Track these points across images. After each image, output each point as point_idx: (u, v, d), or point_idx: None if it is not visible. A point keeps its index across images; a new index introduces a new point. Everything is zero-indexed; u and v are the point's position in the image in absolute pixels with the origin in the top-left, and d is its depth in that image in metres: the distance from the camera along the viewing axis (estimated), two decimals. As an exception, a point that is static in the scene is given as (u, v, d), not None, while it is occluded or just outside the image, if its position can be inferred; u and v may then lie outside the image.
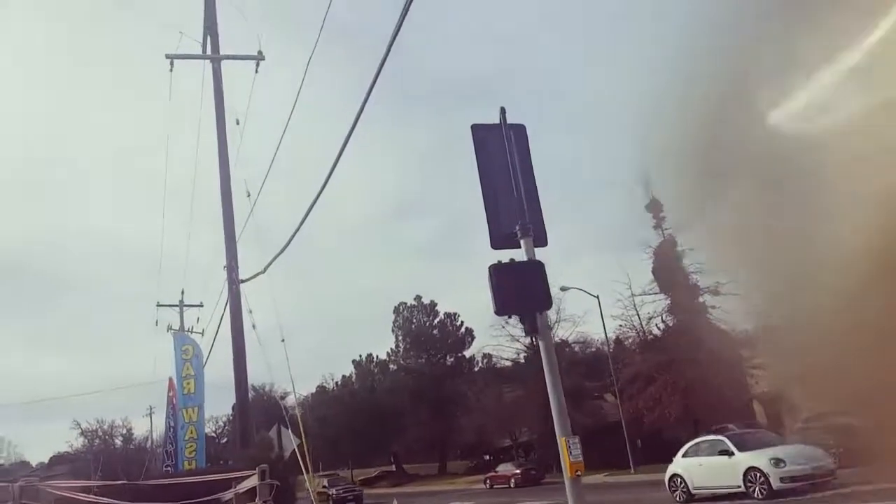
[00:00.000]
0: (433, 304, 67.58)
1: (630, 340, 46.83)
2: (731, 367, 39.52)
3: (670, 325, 38.79)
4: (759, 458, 17.65)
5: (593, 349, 56.27)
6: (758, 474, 17.38)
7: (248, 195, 15.74)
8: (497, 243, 6.63)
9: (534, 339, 50.55)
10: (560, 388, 6.14)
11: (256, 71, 18.98)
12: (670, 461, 39.99)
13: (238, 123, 17.25)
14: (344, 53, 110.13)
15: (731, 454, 18.48)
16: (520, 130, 7.19)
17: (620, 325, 41.91)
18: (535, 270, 6.07)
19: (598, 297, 39.04)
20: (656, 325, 40.25)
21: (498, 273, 6.01)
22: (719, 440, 19.42)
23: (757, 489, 17.46)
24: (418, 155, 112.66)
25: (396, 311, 68.85)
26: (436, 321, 67.53)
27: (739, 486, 18.04)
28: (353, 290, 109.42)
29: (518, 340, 51.20)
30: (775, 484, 16.88)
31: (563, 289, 40.16)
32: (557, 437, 5.99)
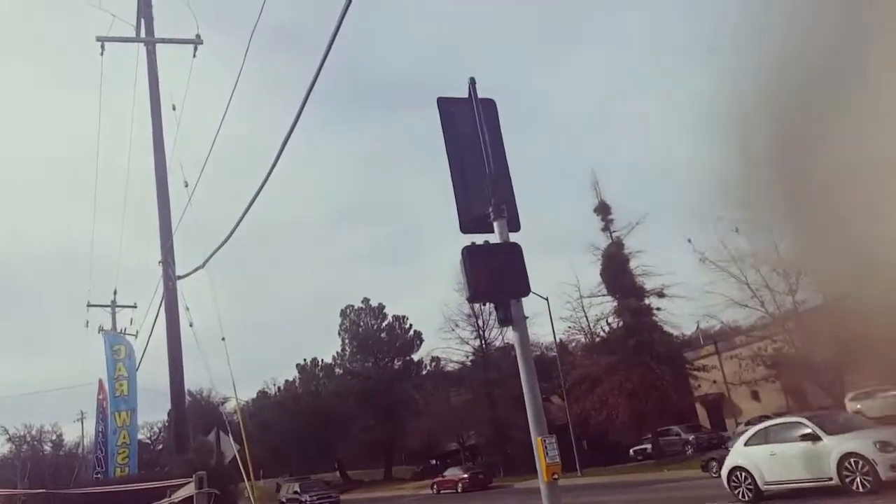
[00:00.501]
0: (381, 307, 66.71)
1: (574, 344, 47.06)
2: (676, 369, 40.14)
3: (617, 327, 38.95)
4: (859, 443, 14.40)
5: (537, 352, 56.51)
6: (859, 462, 14.16)
7: (186, 185, 14.76)
8: (467, 227, 6.05)
9: (481, 343, 50.86)
10: (536, 383, 5.61)
11: (194, 55, 18.04)
12: (616, 462, 40.60)
13: (175, 109, 16.31)
14: (291, 45, 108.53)
15: (816, 439, 15.11)
16: (489, 105, 6.64)
17: (569, 327, 41.99)
18: (512, 253, 5.52)
19: (547, 299, 38.98)
20: (601, 328, 40.44)
21: (472, 256, 5.44)
22: (799, 422, 16.02)
23: (858, 480, 14.15)
24: (369, 158, 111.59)
25: (343, 314, 67.70)
26: (384, 324, 66.64)
27: (831, 479, 14.65)
28: (298, 293, 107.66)
29: (467, 343, 51.00)
30: (885, 473, 13.69)
31: (513, 291, 39.90)
32: (533, 436, 5.45)
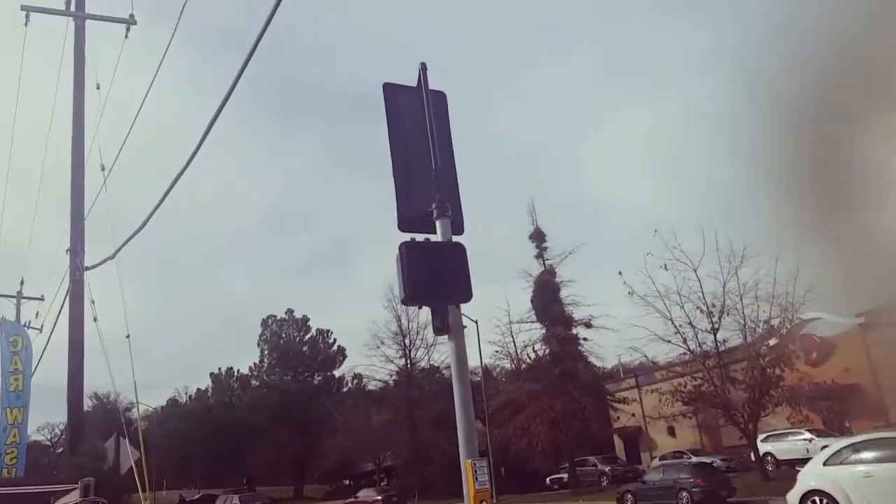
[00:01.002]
0: (305, 319, 65.14)
1: (499, 370, 46.93)
2: (598, 400, 40.41)
3: (543, 354, 38.95)
4: None
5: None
6: None
7: (103, 168, 13.73)
8: (406, 225, 5.50)
9: (406, 362, 49.98)
10: (470, 401, 5.08)
11: (126, 36, 17.06)
12: (532, 490, 40.38)
13: (98, 88, 15.28)
14: (230, 42, 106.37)
15: None
16: (439, 97, 6.15)
17: (497, 351, 41.72)
18: (455, 254, 5.00)
19: (476, 322, 38.63)
20: (528, 354, 40.37)
21: (410, 253, 4.89)
22: None
23: None
24: (301, 170, 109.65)
25: (265, 323, 65.78)
26: (307, 337, 65.06)
27: None
28: (219, 301, 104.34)
29: (392, 361, 50.08)
30: None
31: (442, 311, 39.44)
32: (462, 459, 4.91)
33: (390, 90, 5.95)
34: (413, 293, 4.88)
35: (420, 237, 5.33)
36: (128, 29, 17.09)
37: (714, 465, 28.49)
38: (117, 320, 14.27)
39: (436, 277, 4.91)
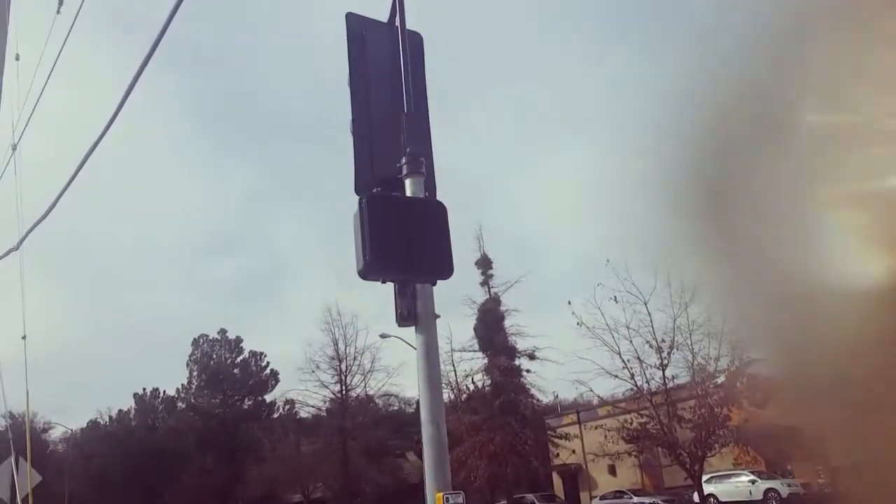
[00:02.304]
0: (238, 340, 62.25)
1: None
2: (539, 434, 39.36)
3: (484, 385, 37.77)
4: None
5: (396, 407, 54.26)
6: None
7: (14, 148, 12.05)
8: (365, 186, 4.26)
9: (341, 388, 48.08)
10: (443, 413, 3.85)
11: (59, 11, 15.44)
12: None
13: (18, 59, 13.62)
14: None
15: None
16: (415, 39, 4.99)
17: (435, 381, 40.26)
18: (434, 215, 3.79)
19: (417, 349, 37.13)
20: (467, 384, 39.09)
21: (374, 209, 3.63)
22: None
23: None
24: (242, 191, 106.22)
25: (195, 343, 62.58)
26: (238, 359, 62.12)
27: None
28: (148, 317, 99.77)
29: (327, 387, 48.00)
30: None
31: (383, 336, 38.04)
32: (428, 489, 3.64)
33: (355, 22, 4.74)
34: (374, 263, 3.59)
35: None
36: (60, 2, 15.52)
37: (663, 504, 27.69)
38: (37, 326, 12.51)
39: (407, 244, 3.67)
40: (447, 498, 3.58)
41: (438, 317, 3.90)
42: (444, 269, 3.76)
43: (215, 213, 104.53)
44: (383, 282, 3.62)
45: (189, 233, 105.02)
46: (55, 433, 71.06)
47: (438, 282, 3.92)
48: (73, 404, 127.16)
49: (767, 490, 27.79)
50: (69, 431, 66.10)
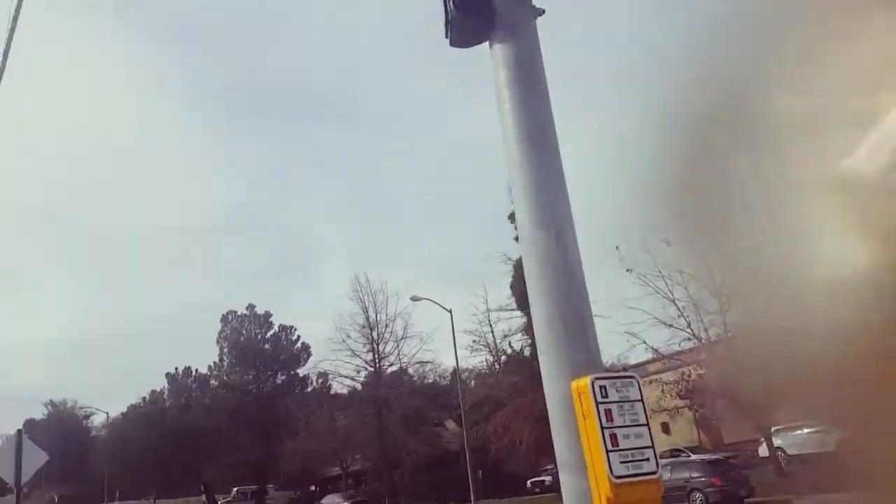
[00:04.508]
0: (268, 315, 60.97)
1: (479, 361, 43.43)
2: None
3: (524, 346, 35.60)
4: None
5: (430, 380, 52.55)
6: None
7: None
8: None
9: (374, 356, 46.30)
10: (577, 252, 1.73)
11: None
12: (512, 494, 37.10)
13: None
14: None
15: None
16: None
17: (474, 341, 38.16)
18: None
19: (451, 311, 35.07)
20: (508, 345, 36.97)
21: None
22: None
23: None
24: (267, 170, 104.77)
25: (224, 319, 61.42)
26: (269, 334, 60.86)
27: None
28: (180, 300, 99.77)
29: (359, 356, 46.19)
30: None
31: (415, 299, 36.00)
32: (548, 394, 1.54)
33: None
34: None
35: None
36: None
37: (730, 461, 25.37)
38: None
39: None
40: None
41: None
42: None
43: (241, 194, 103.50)
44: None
45: (212, 216, 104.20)
46: (97, 419, 71.07)
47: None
48: (118, 391, 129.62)
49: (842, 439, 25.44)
50: (108, 418, 65.89)
